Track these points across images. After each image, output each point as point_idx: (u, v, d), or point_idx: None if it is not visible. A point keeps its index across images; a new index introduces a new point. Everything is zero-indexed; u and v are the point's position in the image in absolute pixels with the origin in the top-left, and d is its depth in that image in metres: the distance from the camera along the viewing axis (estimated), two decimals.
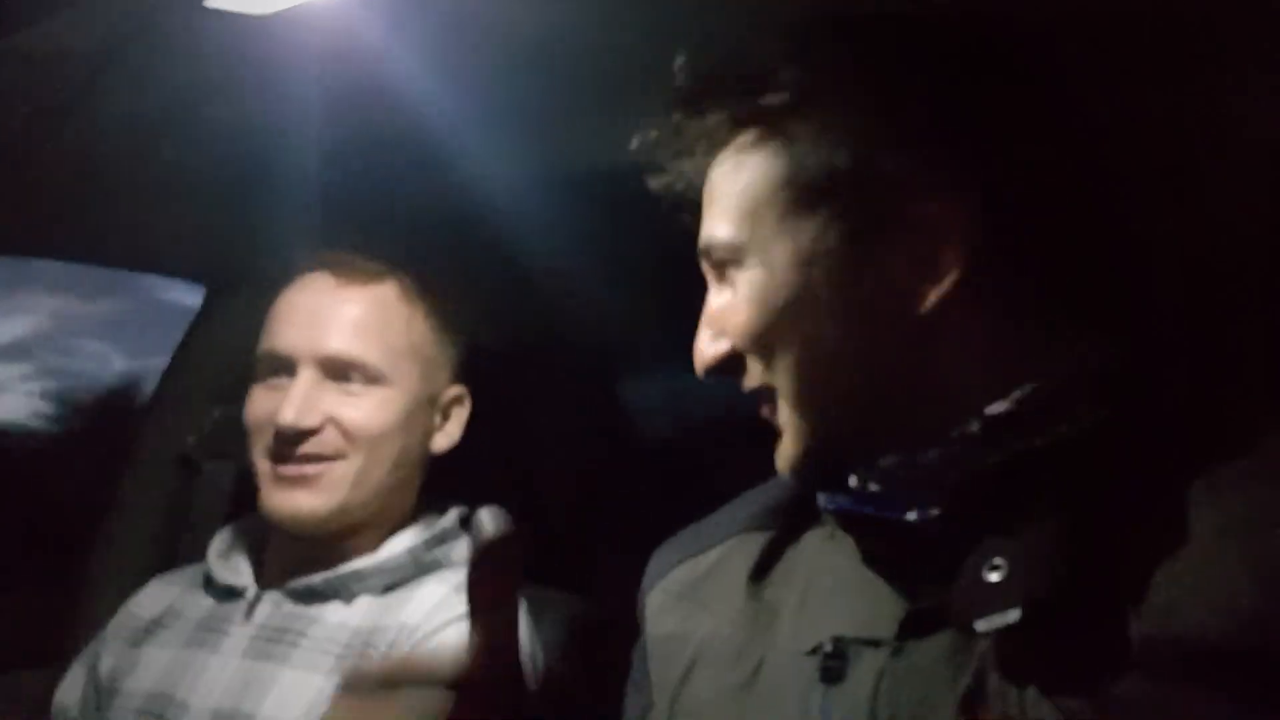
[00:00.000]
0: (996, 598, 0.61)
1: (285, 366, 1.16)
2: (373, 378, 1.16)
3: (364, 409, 1.15)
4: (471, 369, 1.29)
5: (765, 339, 0.72)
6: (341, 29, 0.92)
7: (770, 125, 0.73)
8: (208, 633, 1.17)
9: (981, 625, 0.61)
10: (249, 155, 1.19)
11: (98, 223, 1.35)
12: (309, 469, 1.14)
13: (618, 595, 1.01)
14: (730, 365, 0.75)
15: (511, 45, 0.97)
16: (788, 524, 0.83)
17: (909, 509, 0.69)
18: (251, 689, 1.10)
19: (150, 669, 1.16)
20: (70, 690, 1.24)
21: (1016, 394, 0.67)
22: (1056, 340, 0.69)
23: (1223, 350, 0.79)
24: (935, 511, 0.67)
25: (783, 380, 0.73)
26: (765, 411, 0.76)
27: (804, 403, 0.73)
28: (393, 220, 1.34)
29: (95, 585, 1.51)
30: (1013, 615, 0.60)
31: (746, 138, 0.74)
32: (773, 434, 0.77)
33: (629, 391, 1.81)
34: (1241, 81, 0.80)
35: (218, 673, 1.12)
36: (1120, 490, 0.63)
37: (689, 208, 0.80)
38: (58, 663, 1.34)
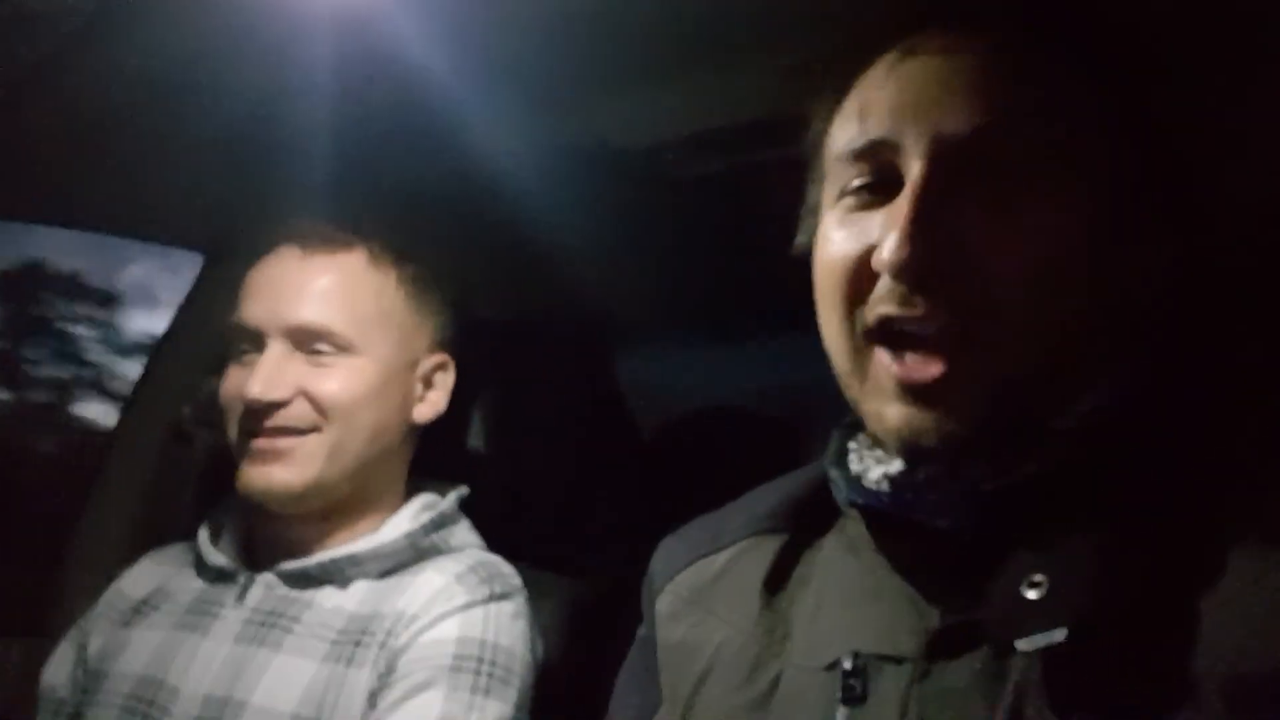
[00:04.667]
0: (1038, 616, 0.58)
1: (254, 340, 1.13)
2: (342, 346, 1.13)
3: (335, 379, 1.12)
4: (460, 339, 1.26)
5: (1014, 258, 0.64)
6: None
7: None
8: (199, 616, 1.14)
9: (1023, 645, 0.58)
10: (251, 123, 1.16)
11: (94, 188, 1.32)
12: (281, 442, 1.11)
13: (615, 577, 1.00)
14: (931, 278, 0.64)
15: (522, 17, 0.95)
16: (802, 526, 0.80)
17: (941, 515, 0.66)
18: (244, 675, 1.07)
19: (140, 651, 1.13)
20: (58, 669, 1.21)
21: (1079, 407, 0.64)
22: (1114, 345, 0.67)
23: (1259, 364, 0.76)
24: (969, 520, 0.64)
25: (997, 311, 0.63)
26: (935, 365, 0.65)
27: (1006, 348, 0.64)
28: (394, 190, 1.31)
29: (82, 558, 1.49)
30: (1058, 635, 0.57)
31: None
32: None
33: (628, 366, 1.79)
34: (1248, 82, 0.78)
35: (209, 657, 1.10)
36: (1158, 506, 0.61)
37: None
38: (44, 634, 1.32)
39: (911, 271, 0.63)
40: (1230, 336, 0.77)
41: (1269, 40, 0.79)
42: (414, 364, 1.21)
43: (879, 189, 0.68)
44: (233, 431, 1.14)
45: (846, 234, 0.69)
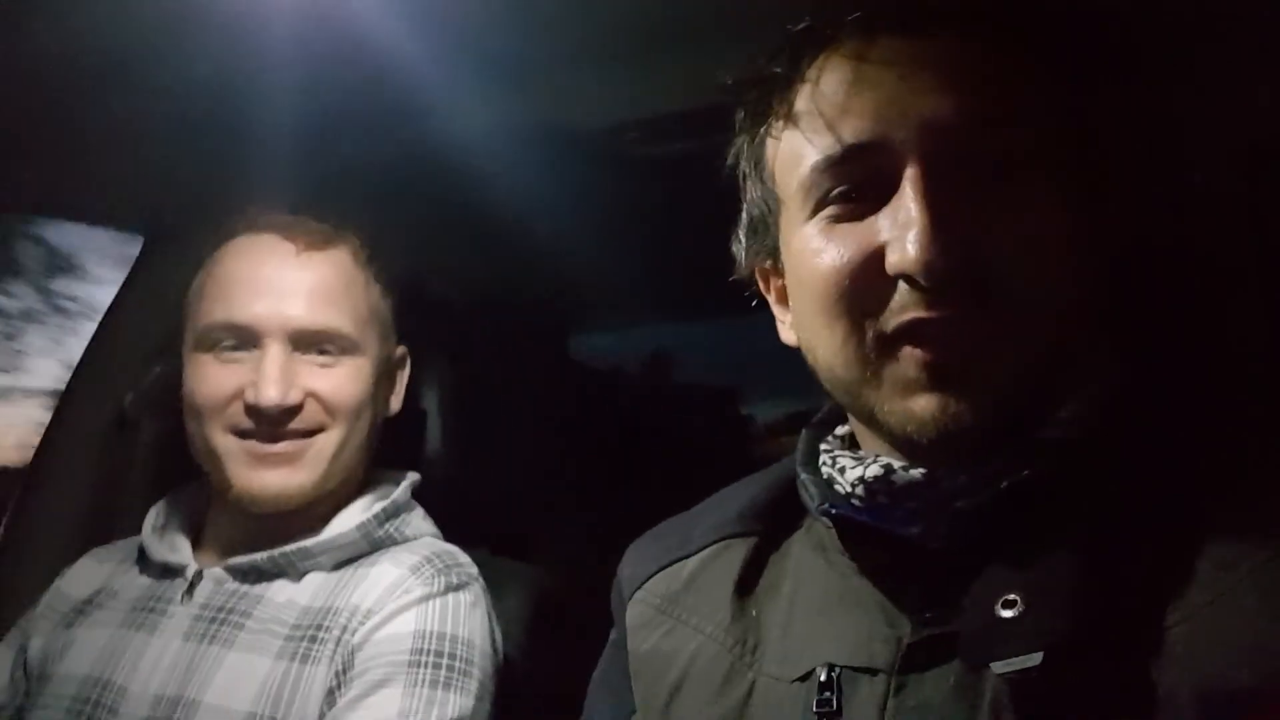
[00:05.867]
0: (1014, 638, 0.58)
1: (248, 339, 1.10)
2: (346, 348, 1.13)
3: (342, 380, 1.12)
4: (418, 323, 1.26)
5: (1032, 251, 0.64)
6: None
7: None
8: (145, 613, 1.11)
9: (999, 668, 0.58)
10: (203, 101, 1.12)
11: (33, 170, 1.27)
12: (293, 445, 1.10)
13: (579, 563, 0.99)
14: (960, 272, 0.64)
15: None
16: (769, 529, 0.80)
17: (913, 524, 0.66)
18: (195, 673, 1.04)
19: (85, 652, 1.10)
20: None
21: (1063, 413, 0.64)
22: (1091, 352, 0.67)
23: (1231, 355, 0.77)
24: (942, 531, 0.64)
25: (1008, 299, 0.64)
26: (963, 352, 0.65)
27: (1022, 334, 0.64)
28: (352, 172, 1.29)
29: (18, 556, 1.43)
30: (1034, 659, 0.57)
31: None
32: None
33: (586, 348, 1.79)
34: (1241, 82, 0.78)
35: (156, 656, 1.06)
36: (1126, 515, 0.61)
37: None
38: None
39: (938, 271, 0.62)
40: (1215, 342, 0.78)
41: (1240, 36, 0.80)
42: (390, 357, 1.21)
43: (866, 194, 0.67)
44: (220, 432, 1.10)
45: (840, 244, 0.68)
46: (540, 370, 1.56)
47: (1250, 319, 0.78)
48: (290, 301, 1.11)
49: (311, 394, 1.10)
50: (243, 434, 1.09)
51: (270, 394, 1.07)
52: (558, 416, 1.56)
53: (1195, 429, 0.65)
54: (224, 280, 1.13)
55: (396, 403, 1.23)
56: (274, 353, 1.09)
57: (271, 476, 1.09)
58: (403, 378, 1.24)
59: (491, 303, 1.52)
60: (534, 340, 1.54)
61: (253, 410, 1.08)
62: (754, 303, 0.82)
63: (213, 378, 1.11)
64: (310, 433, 1.11)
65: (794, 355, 0.76)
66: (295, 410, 1.09)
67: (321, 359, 1.12)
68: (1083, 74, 0.70)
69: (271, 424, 1.09)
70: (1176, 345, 0.76)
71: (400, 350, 1.24)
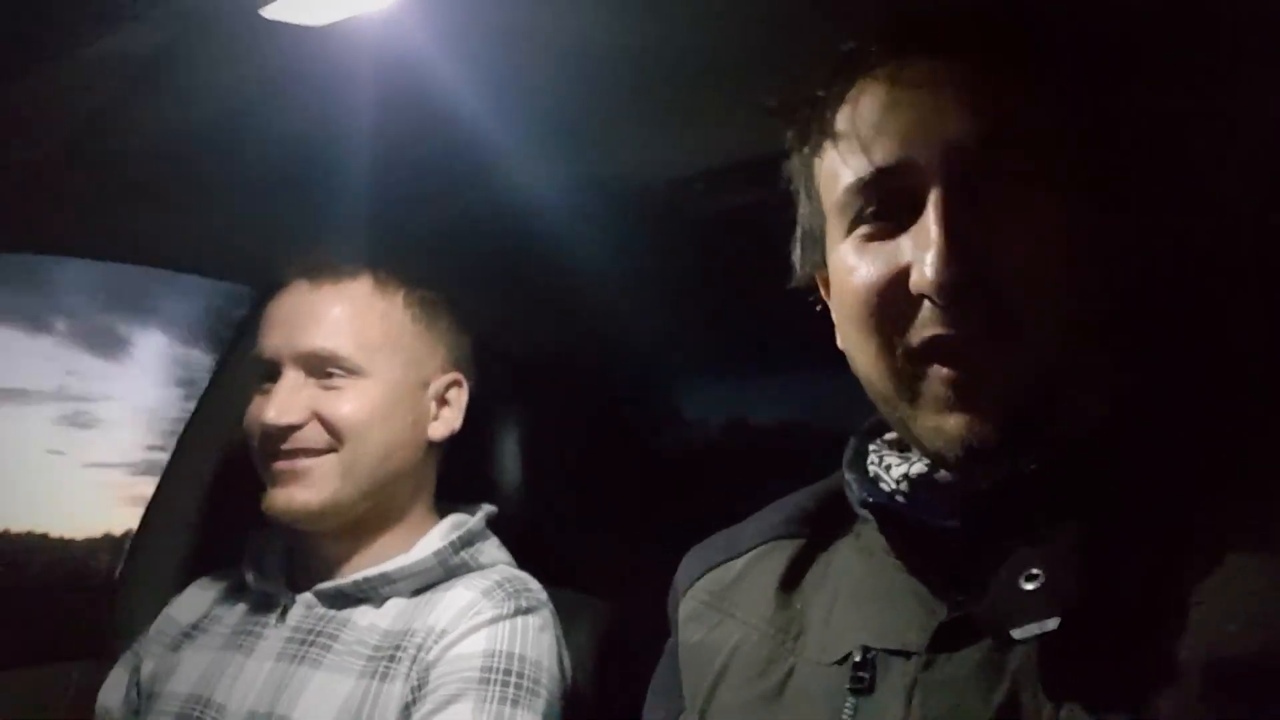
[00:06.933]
0: (1034, 606, 0.60)
1: (271, 370, 1.19)
2: (351, 370, 1.19)
3: (346, 401, 1.18)
4: (483, 365, 1.31)
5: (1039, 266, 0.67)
6: (391, 41, 0.93)
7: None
8: (243, 636, 1.19)
9: (1018, 634, 0.60)
10: (298, 162, 1.21)
11: (149, 225, 1.38)
12: (298, 464, 1.16)
13: (642, 600, 1.02)
14: (970, 291, 0.66)
15: (551, 58, 0.98)
16: (817, 532, 0.83)
17: (952, 516, 0.69)
18: (285, 692, 1.11)
19: (189, 673, 1.18)
20: (113, 692, 1.26)
21: (1082, 412, 0.67)
22: (1099, 353, 0.69)
23: (1234, 353, 0.78)
24: (977, 520, 0.67)
25: (1025, 315, 0.66)
26: (987, 371, 0.67)
27: (1040, 351, 0.66)
28: (428, 226, 1.35)
29: (136, 585, 1.54)
30: (1051, 624, 0.59)
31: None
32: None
33: (651, 397, 1.82)
34: (1246, 80, 0.79)
35: (252, 676, 1.14)
36: (1142, 499, 0.63)
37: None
38: (101, 658, 1.38)
39: (952, 291, 0.65)
40: (1217, 341, 0.78)
41: (1247, 48, 0.81)
42: (425, 383, 1.25)
43: (894, 214, 0.70)
44: (256, 458, 1.20)
45: (870, 261, 0.71)
46: (609, 416, 1.60)
47: (1251, 319, 0.79)
48: (299, 330, 1.19)
49: (316, 414, 1.17)
50: (266, 455, 1.18)
51: (269, 414, 1.15)
52: (624, 460, 1.60)
53: (1202, 421, 0.67)
54: (261, 323, 1.23)
55: (442, 429, 1.26)
56: (285, 377, 1.18)
57: (282, 493, 1.17)
58: (456, 403, 1.28)
59: (556, 354, 1.57)
60: (604, 387, 1.58)
61: (263, 431, 1.17)
62: (818, 308, 0.84)
63: (252, 408, 1.21)
64: (318, 452, 1.17)
65: (859, 409, 0.79)
66: (297, 429, 1.16)
67: (330, 382, 1.18)
68: (1104, 94, 0.72)
69: (276, 442, 1.16)
70: (1180, 346, 0.77)
71: (448, 378, 1.27)
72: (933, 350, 0.68)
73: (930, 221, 0.66)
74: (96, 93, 1.02)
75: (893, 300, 0.69)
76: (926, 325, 0.67)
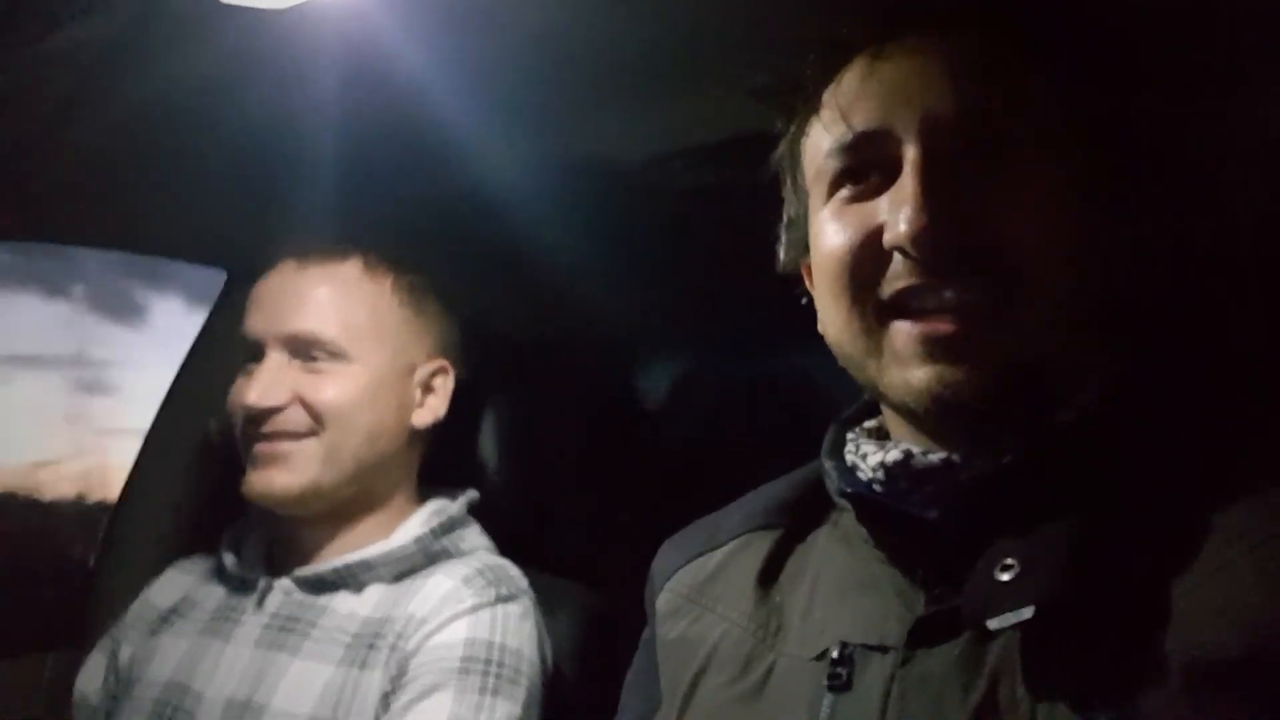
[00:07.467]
0: (1009, 596, 0.60)
1: (255, 351, 1.18)
2: (335, 353, 1.17)
3: (329, 385, 1.16)
4: (467, 349, 1.29)
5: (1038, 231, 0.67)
6: (353, 23, 0.92)
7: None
8: (222, 622, 1.18)
9: (994, 624, 0.60)
10: (264, 146, 1.19)
11: (120, 210, 1.36)
12: (279, 446, 1.15)
13: (625, 585, 1.02)
14: (945, 246, 0.66)
15: (520, 39, 0.97)
16: (795, 523, 0.82)
17: (930, 507, 0.69)
18: (264, 679, 1.11)
19: (167, 658, 1.18)
20: (91, 678, 1.25)
21: (1079, 399, 0.67)
22: (1097, 347, 0.69)
23: (1233, 353, 0.78)
24: (956, 511, 0.67)
25: (1003, 276, 0.66)
26: (957, 324, 0.67)
27: (1016, 308, 0.66)
28: (403, 208, 1.34)
29: (111, 570, 1.53)
30: (1026, 613, 0.59)
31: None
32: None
33: (636, 380, 1.82)
34: (1246, 77, 0.79)
35: (231, 662, 1.13)
36: (1130, 492, 0.63)
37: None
38: (77, 645, 1.37)
39: (927, 242, 0.65)
40: (1215, 339, 0.78)
41: (1242, 37, 0.80)
42: (411, 369, 1.23)
43: (873, 178, 0.71)
44: (239, 440, 1.18)
45: (846, 223, 0.71)
46: (595, 401, 1.59)
47: (1250, 318, 0.79)
48: (284, 311, 1.17)
49: (298, 397, 1.15)
50: (247, 438, 1.16)
51: (250, 395, 1.14)
52: (611, 446, 1.60)
53: (1197, 416, 0.66)
54: (247, 304, 1.22)
55: (428, 415, 1.24)
56: (268, 359, 1.16)
57: (262, 476, 1.15)
58: (441, 390, 1.26)
59: (542, 335, 1.56)
60: (585, 371, 1.57)
61: (245, 413, 1.15)
62: (804, 300, 0.83)
63: (235, 390, 1.19)
64: (299, 435, 1.15)
65: (846, 389, 0.79)
66: (278, 411, 1.14)
67: (313, 365, 1.17)
68: (1088, 68, 0.73)
69: (257, 424, 1.15)
70: (1178, 341, 0.77)
71: (434, 365, 1.25)
72: (902, 303, 0.68)
73: (907, 178, 0.67)
74: (60, 81, 1.00)
75: (867, 259, 0.69)
76: (898, 278, 0.68)
